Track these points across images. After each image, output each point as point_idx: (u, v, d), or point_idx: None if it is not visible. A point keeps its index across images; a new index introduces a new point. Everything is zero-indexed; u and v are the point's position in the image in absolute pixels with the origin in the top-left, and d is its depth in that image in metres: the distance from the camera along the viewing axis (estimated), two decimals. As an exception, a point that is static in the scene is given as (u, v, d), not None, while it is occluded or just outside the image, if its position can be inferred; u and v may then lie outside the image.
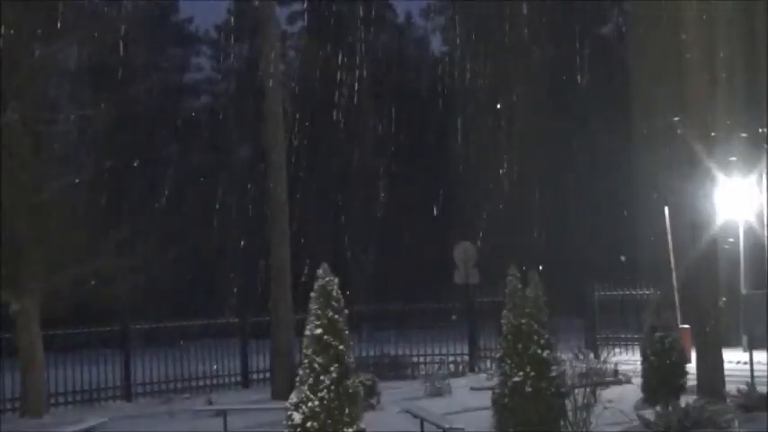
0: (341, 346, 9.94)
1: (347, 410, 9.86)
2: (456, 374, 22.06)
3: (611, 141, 38.20)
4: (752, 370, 16.49)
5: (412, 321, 27.42)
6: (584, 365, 13.10)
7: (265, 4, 21.72)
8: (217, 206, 44.06)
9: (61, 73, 21.77)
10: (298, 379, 10.03)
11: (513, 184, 40.79)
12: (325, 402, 9.79)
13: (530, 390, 12.11)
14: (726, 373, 15.94)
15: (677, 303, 21.52)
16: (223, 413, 15.58)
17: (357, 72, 45.06)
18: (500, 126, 41.49)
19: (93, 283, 19.46)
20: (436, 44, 53.20)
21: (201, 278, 41.81)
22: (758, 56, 26.02)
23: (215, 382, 22.20)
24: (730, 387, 15.50)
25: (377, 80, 46.95)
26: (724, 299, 18.10)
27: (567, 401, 12.51)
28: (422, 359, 23.53)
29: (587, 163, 40.80)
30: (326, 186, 44.69)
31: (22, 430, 17.92)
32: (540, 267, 13.21)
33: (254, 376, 22.70)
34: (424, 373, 21.47)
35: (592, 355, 14.30)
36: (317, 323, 9.97)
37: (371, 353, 23.57)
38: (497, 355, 12.91)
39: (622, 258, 31.92)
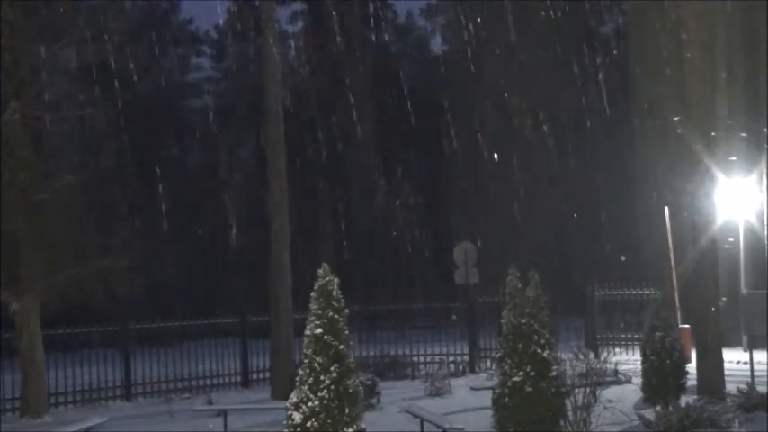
0: (341, 346, 9.93)
1: (347, 410, 9.85)
2: (456, 374, 22.06)
3: (612, 141, 38.23)
4: (752, 370, 16.50)
5: (412, 321, 27.41)
6: (584, 365, 13.11)
7: (265, 4, 21.71)
8: (217, 206, 44.09)
9: (61, 73, 21.75)
10: (298, 379, 10.02)
11: (513, 183, 40.77)
12: (325, 402, 9.79)
13: (530, 390, 12.13)
14: (726, 373, 15.95)
15: (677, 303, 21.51)
16: (223, 413, 15.58)
17: (357, 72, 45.03)
18: (500, 126, 41.47)
19: (93, 282, 19.44)
20: (436, 44, 53.27)
21: (202, 278, 41.79)
22: (758, 56, 26.02)
23: (215, 382, 22.20)
24: (730, 387, 15.50)
25: (377, 80, 46.95)
26: (724, 299, 18.11)
27: (567, 401, 12.53)
28: (422, 359, 23.51)
29: (587, 163, 40.80)
30: (326, 186, 44.70)
31: (22, 430, 17.92)
32: (540, 267, 13.18)
33: (254, 376, 22.69)
34: (424, 373, 21.45)
35: (592, 355, 14.30)
36: (317, 323, 9.97)
37: (371, 353, 23.57)
38: (497, 355, 12.94)
39: (622, 258, 31.98)
